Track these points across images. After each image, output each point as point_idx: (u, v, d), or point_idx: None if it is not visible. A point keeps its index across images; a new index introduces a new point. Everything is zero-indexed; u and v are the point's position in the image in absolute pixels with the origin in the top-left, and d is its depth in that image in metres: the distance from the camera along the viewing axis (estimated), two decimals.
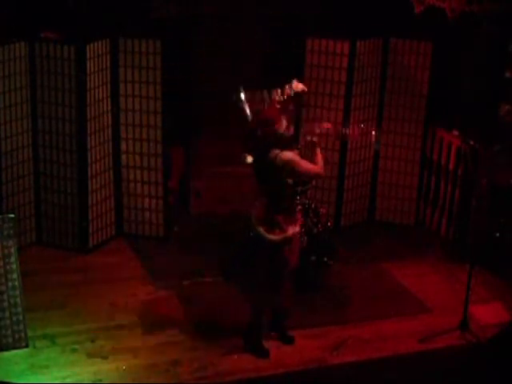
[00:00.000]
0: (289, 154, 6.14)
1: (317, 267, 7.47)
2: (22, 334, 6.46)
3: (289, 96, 6.53)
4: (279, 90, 6.54)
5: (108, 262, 7.90)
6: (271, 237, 6.25)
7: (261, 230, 6.25)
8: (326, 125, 6.65)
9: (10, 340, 6.42)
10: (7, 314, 6.44)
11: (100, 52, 7.79)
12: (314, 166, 6.25)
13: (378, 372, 6.52)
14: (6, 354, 6.37)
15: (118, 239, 8.33)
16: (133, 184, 8.25)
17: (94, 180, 7.96)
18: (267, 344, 6.62)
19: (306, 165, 6.21)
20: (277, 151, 6.11)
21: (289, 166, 6.10)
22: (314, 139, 6.38)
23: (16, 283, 6.51)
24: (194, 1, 8.76)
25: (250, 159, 6.42)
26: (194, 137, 9.11)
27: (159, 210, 8.29)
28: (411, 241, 8.61)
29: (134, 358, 6.43)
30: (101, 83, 7.86)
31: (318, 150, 6.35)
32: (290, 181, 6.23)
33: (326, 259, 7.46)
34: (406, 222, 8.91)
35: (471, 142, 7.67)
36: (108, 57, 7.90)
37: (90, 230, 8.03)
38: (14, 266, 6.52)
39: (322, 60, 8.41)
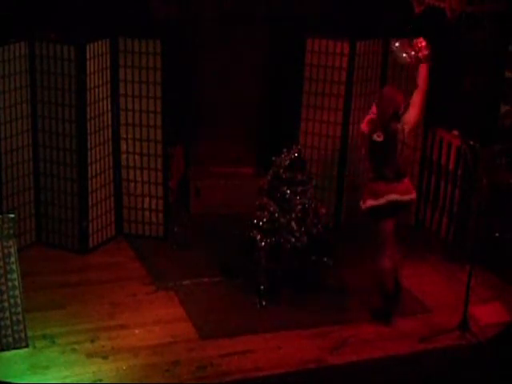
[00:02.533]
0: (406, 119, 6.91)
1: (317, 267, 7.48)
2: (22, 334, 6.46)
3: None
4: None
5: (108, 261, 7.91)
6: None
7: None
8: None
9: (10, 340, 6.43)
10: (7, 314, 6.44)
11: (100, 52, 7.79)
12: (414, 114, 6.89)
13: (378, 372, 6.52)
14: (6, 353, 6.37)
15: (118, 239, 8.33)
16: (133, 184, 8.26)
17: (93, 180, 7.96)
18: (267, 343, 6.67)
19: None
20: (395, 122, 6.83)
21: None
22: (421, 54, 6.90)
23: (16, 283, 6.51)
24: (194, 1, 8.75)
25: (381, 138, 6.81)
26: (194, 137, 9.10)
27: (159, 210, 8.29)
28: (411, 241, 8.61)
29: (134, 358, 6.43)
30: (101, 83, 7.86)
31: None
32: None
33: (325, 259, 7.47)
34: (405, 222, 8.90)
35: (471, 142, 7.67)
36: (108, 57, 7.91)
37: (90, 230, 8.03)
38: (14, 266, 6.52)
39: (322, 60, 8.43)
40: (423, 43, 6.91)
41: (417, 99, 6.92)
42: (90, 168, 7.88)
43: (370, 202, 6.92)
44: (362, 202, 6.98)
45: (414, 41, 6.94)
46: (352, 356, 6.63)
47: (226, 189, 8.92)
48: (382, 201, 6.88)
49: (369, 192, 6.96)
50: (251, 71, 9.03)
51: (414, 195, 7.07)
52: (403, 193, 6.92)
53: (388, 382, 6.46)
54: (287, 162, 7.38)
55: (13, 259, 6.52)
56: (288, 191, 7.37)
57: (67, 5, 8.10)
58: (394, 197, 6.87)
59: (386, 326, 7.01)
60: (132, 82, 8.02)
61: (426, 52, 6.90)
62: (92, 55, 7.68)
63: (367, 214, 6.98)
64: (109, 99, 8.01)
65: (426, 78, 6.95)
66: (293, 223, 7.30)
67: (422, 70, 6.93)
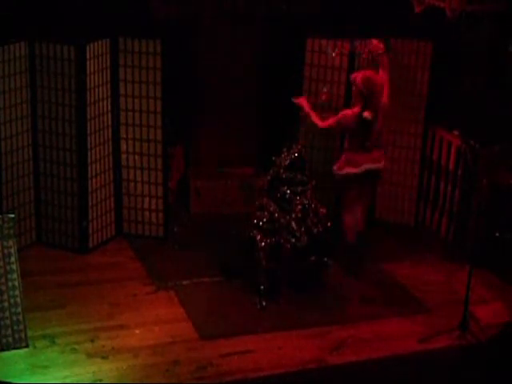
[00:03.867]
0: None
1: (317, 267, 7.48)
2: (22, 334, 6.46)
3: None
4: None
5: (108, 261, 7.91)
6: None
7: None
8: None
9: (10, 340, 6.43)
10: (7, 314, 6.44)
11: (100, 52, 7.79)
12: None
13: (378, 372, 6.52)
14: (6, 353, 6.37)
15: (117, 239, 8.34)
16: (133, 184, 8.26)
17: (93, 180, 7.97)
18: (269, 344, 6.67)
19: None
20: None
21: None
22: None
23: (16, 283, 6.51)
24: (194, 1, 8.75)
25: (372, 116, 7.46)
26: (194, 137, 9.10)
27: (159, 210, 8.29)
28: (411, 241, 8.61)
29: (134, 358, 6.43)
30: (101, 83, 7.87)
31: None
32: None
33: (325, 259, 7.47)
34: (405, 222, 8.91)
35: (471, 142, 7.67)
36: (108, 57, 7.91)
37: (90, 230, 8.03)
38: (14, 266, 6.52)
39: (322, 60, 8.43)
40: (375, 44, 7.67)
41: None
42: (89, 168, 7.88)
43: (349, 170, 7.63)
44: (336, 168, 7.73)
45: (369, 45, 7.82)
46: (352, 356, 6.63)
47: (225, 189, 8.92)
48: (361, 169, 7.59)
49: (348, 161, 7.64)
50: (251, 71, 9.03)
51: (381, 164, 7.75)
52: (375, 161, 7.65)
53: (388, 382, 6.46)
54: (287, 162, 7.39)
55: (13, 259, 6.52)
56: (288, 191, 7.37)
57: (67, 5, 8.10)
58: (368, 166, 7.62)
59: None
60: (132, 82, 8.02)
61: (380, 50, 7.61)
62: (92, 55, 7.68)
63: (341, 180, 7.77)
64: (109, 99, 8.01)
65: (387, 67, 7.62)
66: (293, 223, 7.30)
67: (383, 60, 7.62)
